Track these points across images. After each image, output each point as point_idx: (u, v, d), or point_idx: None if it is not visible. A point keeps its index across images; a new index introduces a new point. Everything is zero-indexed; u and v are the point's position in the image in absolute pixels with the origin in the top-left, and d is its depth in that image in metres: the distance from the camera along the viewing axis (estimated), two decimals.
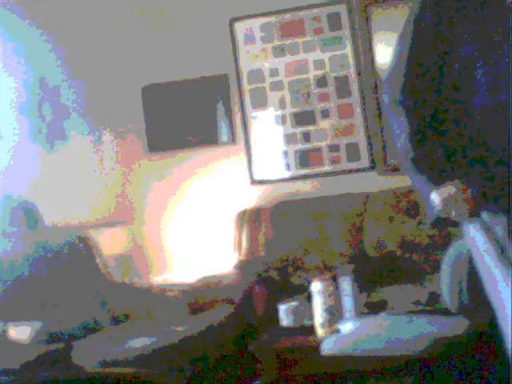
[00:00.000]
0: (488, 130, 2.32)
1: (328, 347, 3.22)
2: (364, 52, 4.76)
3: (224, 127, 5.03)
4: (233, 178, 4.98)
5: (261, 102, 4.96)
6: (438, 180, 2.35)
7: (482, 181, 2.34)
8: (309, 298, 3.49)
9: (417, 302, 3.63)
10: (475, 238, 2.39)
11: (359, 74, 4.78)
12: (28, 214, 4.17)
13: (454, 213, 2.34)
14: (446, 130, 2.39)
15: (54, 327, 3.76)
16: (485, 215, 2.33)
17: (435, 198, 2.35)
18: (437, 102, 2.37)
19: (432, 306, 3.53)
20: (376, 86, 4.68)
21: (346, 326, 3.32)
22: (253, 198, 4.94)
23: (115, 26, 5.06)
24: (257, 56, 4.96)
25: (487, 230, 2.33)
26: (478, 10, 2.33)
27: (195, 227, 4.97)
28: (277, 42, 4.91)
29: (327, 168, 4.88)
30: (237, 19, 4.96)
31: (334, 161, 4.86)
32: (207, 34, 4.97)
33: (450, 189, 2.33)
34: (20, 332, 3.73)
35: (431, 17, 2.34)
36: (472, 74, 2.31)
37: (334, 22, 4.81)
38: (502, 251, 2.30)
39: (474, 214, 2.35)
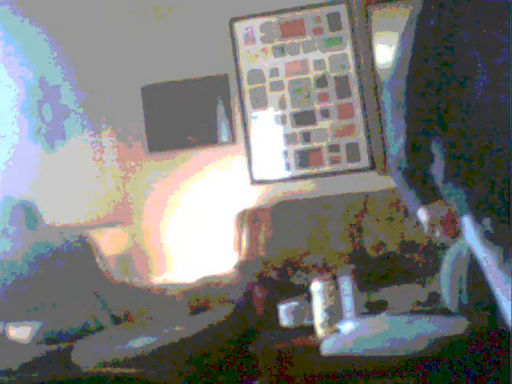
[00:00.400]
0: (489, 131, 2.32)
1: (328, 347, 3.22)
2: (364, 52, 4.76)
3: (224, 127, 5.02)
4: (233, 178, 4.98)
5: (261, 102, 4.96)
6: (426, 198, 2.33)
7: (481, 184, 2.32)
8: (309, 298, 3.49)
9: (417, 302, 3.63)
10: (475, 246, 2.38)
11: (359, 73, 4.78)
12: (28, 214, 4.16)
13: (438, 233, 2.33)
14: (445, 131, 2.38)
15: (54, 327, 3.76)
16: (485, 221, 2.31)
17: (421, 215, 2.33)
18: (437, 103, 2.36)
19: (432, 306, 3.52)
20: (376, 86, 4.69)
21: (346, 326, 3.32)
22: (253, 197, 4.94)
23: (115, 25, 5.06)
24: (257, 56, 4.95)
25: (488, 236, 2.32)
26: (479, 11, 2.32)
27: (195, 227, 4.97)
28: (277, 42, 4.91)
29: (327, 168, 4.87)
30: (237, 19, 4.95)
31: (334, 161, 4.86)
32: (207, 34, 4.97)
33: (436, 208, 2.31)
34: (20, 332, 3.73)
35: (432, 17, 2.33)
36: (473, 74, 2.30)
37: (334, 21, 4.81)
38: (504, 260, 2.28)
39: (458, 237, 2.34)
